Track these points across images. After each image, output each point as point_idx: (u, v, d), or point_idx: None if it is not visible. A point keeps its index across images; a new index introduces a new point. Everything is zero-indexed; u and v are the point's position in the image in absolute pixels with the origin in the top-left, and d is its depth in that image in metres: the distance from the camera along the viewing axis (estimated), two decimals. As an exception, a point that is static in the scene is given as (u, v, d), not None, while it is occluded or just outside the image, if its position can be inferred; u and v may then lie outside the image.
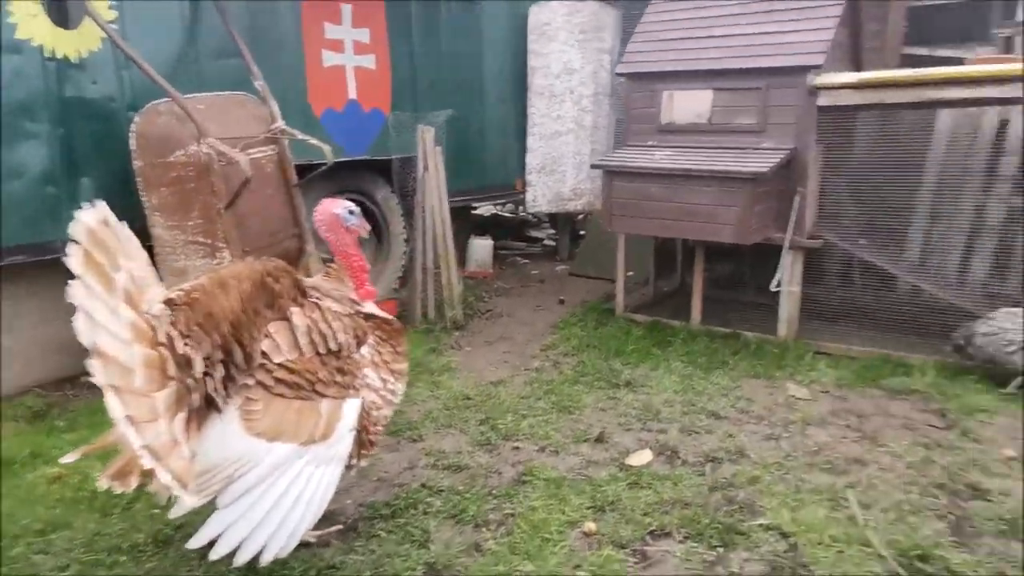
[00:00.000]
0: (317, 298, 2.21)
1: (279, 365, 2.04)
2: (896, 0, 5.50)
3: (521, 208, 8.10)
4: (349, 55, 5.14)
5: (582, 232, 7.68)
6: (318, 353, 2.11)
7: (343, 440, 2.13)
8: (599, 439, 3.28)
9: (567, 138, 6.86)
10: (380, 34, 5.35)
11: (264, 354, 2.04)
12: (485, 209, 9.67)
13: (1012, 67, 3.69)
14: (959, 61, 5.20)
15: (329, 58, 5.01)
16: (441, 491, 2.85)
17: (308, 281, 2.30)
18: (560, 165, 6.82)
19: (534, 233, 8.84)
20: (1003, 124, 4.64)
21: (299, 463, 2.05)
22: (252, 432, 1.99)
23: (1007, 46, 5.62)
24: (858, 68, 4.83)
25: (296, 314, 2.12)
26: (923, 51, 5.73)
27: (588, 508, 2.69)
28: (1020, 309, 3.74)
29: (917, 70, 3.93)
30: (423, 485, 2.91)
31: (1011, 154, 4.60)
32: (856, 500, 2.67)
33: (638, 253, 5.92)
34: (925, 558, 2.32)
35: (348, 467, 2.20)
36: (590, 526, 2.55)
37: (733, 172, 4.09)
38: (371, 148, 5.37)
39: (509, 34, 6.60)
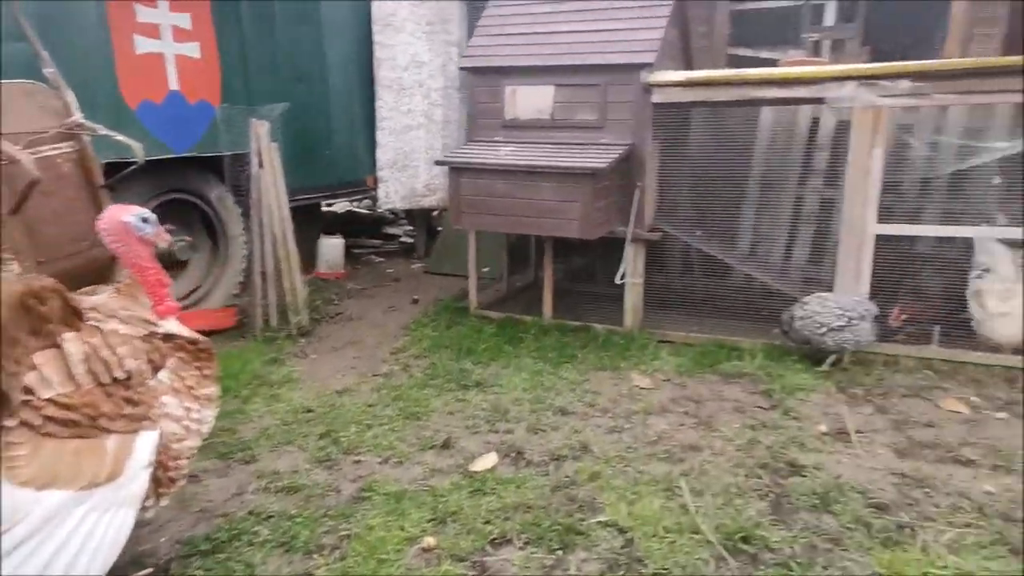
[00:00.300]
0: (98, 320, 1.94)
1: (48, 401, 1.76)
2: (721, 0, 5.83)
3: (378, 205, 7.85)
4: (168, 42, 4.69)
5: (439, 228, 7.57)
6: (100, 383, 1.85)
7: (136, 479, 1.89)
8: (445, 445, 3.18)
9: (418, 133, 6.72)
10: (204, 20, 4.92)
11: (28, 390, 1.75)
12: (340, 206, 9.32)
13: (817, 69, 3.98)
14: (774, 63, 5.57)
15: (143, 44, 4.54)
16: (271, 517, 2.64)
17: (88, 300, 2.02)
18: (412, 160, 6.67)
19: (391, 230, 8.63)
20: (815, 121, 5.04)
21: (80, 510, 1.79)
22: (16, 481, 1.71)
23: (815, 50, 6.12)
24: (689, 67, 5.05)
25: (70, 340, 1.84)
26: (747, 52, 6.12)
27: (429, 521, 2.58)
28: (830, 294, 4.05)
29: (739, 70, 4.14)
30: (251, 512, 2.68)
31: (823, 149, 5.00)
32: (688, 488, 2.76)
33: (493, 248, 5.91)
34: (747, 539, 2.42)
35: (143, 508, 1.95)
36: (429, 541, 2.45)
37: (574, 168, 4.13)
38: (200, 144, 4.95)
39: (354, 23, 6.33)
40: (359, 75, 6.52)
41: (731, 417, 3.48)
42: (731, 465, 2.97)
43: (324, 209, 8.50)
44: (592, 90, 4.46)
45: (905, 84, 3.76)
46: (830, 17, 6.25)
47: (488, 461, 3.00)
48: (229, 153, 5.03)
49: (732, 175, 5.08)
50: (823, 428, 3.31)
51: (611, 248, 4.90)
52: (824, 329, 3.87)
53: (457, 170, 4.45)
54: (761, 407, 3.58)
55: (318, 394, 3.83)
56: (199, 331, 2.29)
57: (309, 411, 3.61)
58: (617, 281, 4.57)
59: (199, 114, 4.92)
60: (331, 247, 6.49)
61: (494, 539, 2.47)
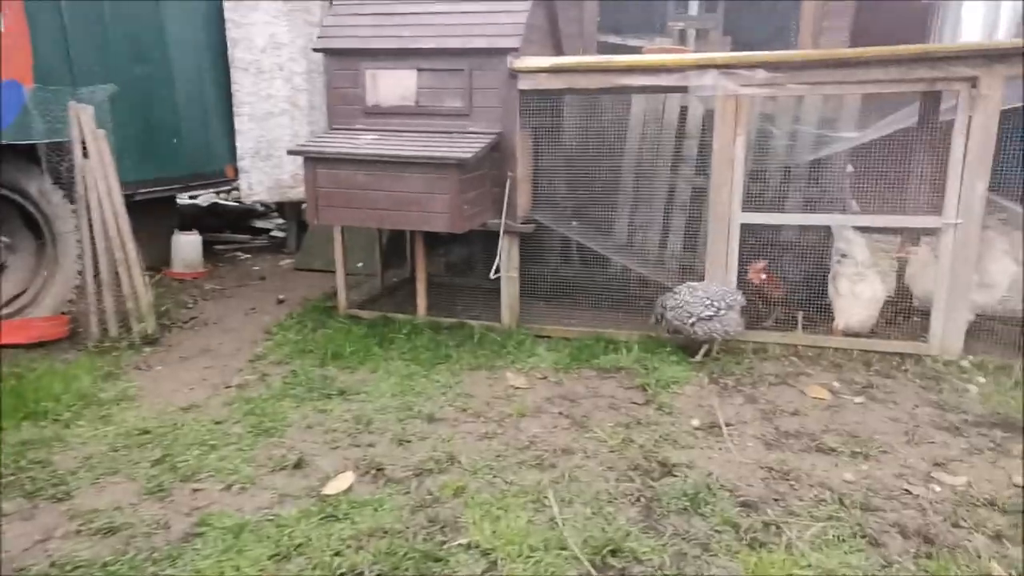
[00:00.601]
0: None
1: None
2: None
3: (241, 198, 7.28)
4: (-37, 10, 4.03)
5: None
6: None
7: None
8: (297, 465, 2.88)
9: (282, 119, 6.25)
10: (11, -12, 4.27)
11: None
12: (205, 199, 8.63)
13: (679, 58, 3.94)
14: (639, 50, 5.57)
15: (-70, 12, 3.87)
16: (78, 568, 2.26)
17: None
18: (276, 149, 6.19)
19: (261, 224, 8.06)
20: (684, 110, 5.05)
21: None
22: None
23: (682, 38, 6.19)
24: (559, 53, 4.92)
25: None
26: (616, 39, 6.10)
27: (270, 558, 2.29)
28: (700, 283, 4.05)
29: (604, 57, 4.04)
30: (54, 564, 2.28)
31: (692, 137, 5.02)
32: (557, 499, 2.61)
33: (367, 242, 5.58)
34: (616, 552, 2.30)
35: None
36: (267, 583, 2.16)
37: (439, 158, 3.89)
38: (10, 130, 4.30)
39: (202, -1, 5.77)
40: (212, 56, 5.97)
41: (605, 415, 3.38)
42: (603, 469, 2.85)
43: (182, 202, 7.83)
44: (457, 75, 4.23)
45: (762, 74, 3.78)
46: (695, 6, 6.34)
47: (344, 481, 2.73)
48: (46, 141, 4.40)
49: (606, 164, 5.02)
50: (696, 422, 3.26)
51: (492, 240, 4.70)
52: (693, 319, 3.85)
53: (313, 160, 4.10)
54: (636, 403, 3.51)
55: (158, 413, 3.40)
56: (20, 343, 1.87)
57: (145, 433, 3.19)
58: (492, 276, 4.38)
59: (7, 96, 4.27)
60: (187, 244, 5.93)
61: (343, 574, 2.21)
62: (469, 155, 3.89)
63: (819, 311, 4.26)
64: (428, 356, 4.07)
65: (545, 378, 3.85)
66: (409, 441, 3.09)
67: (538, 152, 4.77)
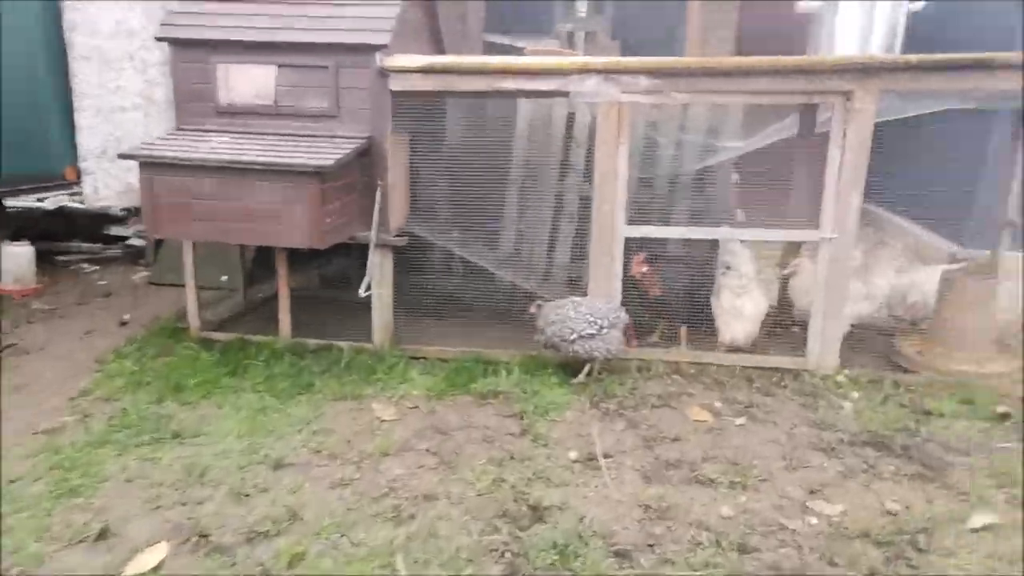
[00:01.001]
0: None
1: None
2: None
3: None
4: None
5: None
6: None
7: None
8: (101, 535, 2.42)
9: (134, 115, 5.59)
10: None
11: None
12: (52, 202, 7.74)
13: (560, 61, 3.72)
14: (520, 51, 5.34)
15: None
16: None
17: None
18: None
19: (118, 231, 7.27)
20: (571, 116, 4.85)
21: None
22: None
23: (570, 40, 6.03)
24: (440, 52, 4.61)
25: None
26: (504, 40, 5.85)
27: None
28: (585, 299, 3.85)
29: (481, 58, 3.76)
30: None
31: (580, 145, 4.83)
32: (409, 562, 2.30)
33: (231, 253, 5.06)
34: (472, 628, 2.01)
35: None
36: None
37: (296, 165, 3.48)
38: None
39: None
40: (46, 41, 5.26)
41: (478, 450, 3.09)
42: (467, 518, 2.56)
43: (13, 207, 6.97)
44: (321, 73, 3.83)
45: (644, 81, 3.61)
46: (583, 6, 6.19)
47: (154, 555, 2.30)
48: None
49: (490, 172, 4.73)
50: (573, 455, 3.04)
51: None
52: (575, 336, 3.64)
53: (150, 166, 3.59)
54: (512, 434, 3.25)
55: (-61, 470, 2.83)
56: None
57: (-85, 499, 2.63)
58: (361, 294, 4.01)
59: None
60: (15, 256, 5.19)
61: None
62: (330, 162, 3.50)
63: (705, 325, 4.15)
64: (287, 386, 3.66)
65: (416, 407, 3.53)
66: (248, 495, 2.69)
67: (416, 158, 4.44)
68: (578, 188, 4.84)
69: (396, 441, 3.15)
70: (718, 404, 3.55)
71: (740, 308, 4.02)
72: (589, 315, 3.69)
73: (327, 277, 5.70)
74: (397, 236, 4.09)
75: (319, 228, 3.56)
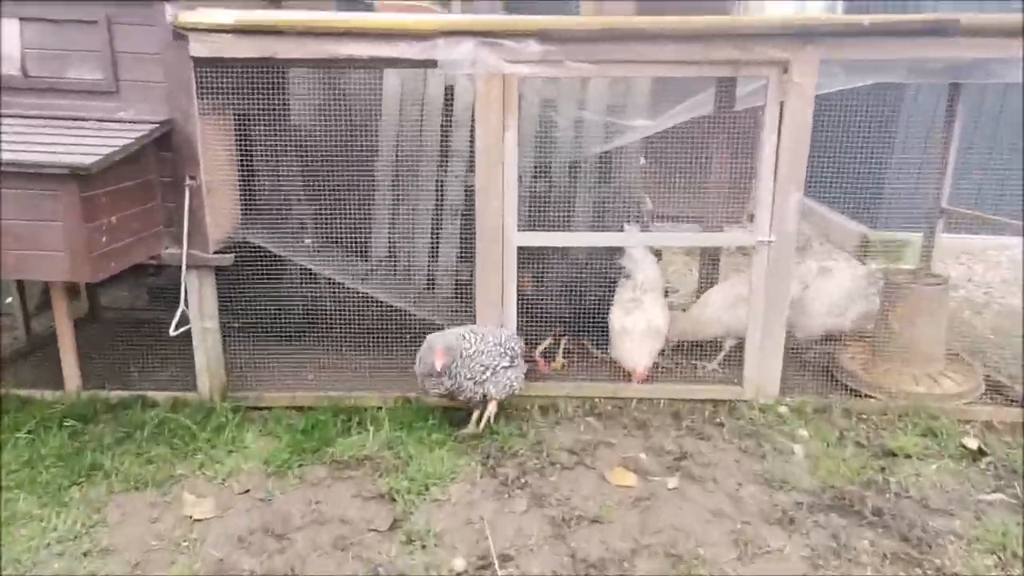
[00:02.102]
0: None
1: None
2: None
3: None
4: None
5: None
6: None
7: None
8: None
9: None
10: None
11: None
12: None
13: (423, 20, 2.80)
14: (370, 7, 4.38)
15: None
16: None
17: None
18: None
19: None
20: (449, 91, 3.95)
21: None
22: None
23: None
24: (276, 6, 3.57)
25: None
26: (365, -2, 4.85)
27: None
28: (483, 327, 3.00)
29: (315, 14, 2.77)
30: None
31: (462, 125, 3.95)
32: None
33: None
34: None
35: None
36: None
37: (45, 165, 2.40)
38: None
39: None
40: None
41: (325, 564, 2.20)
42: None
43: None
44: (89, 31, 2.73)
45: (534, 47, 2.77)
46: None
47: None
48: None
49: (352, 162, 3.77)
50: (459, 564, 2.20)
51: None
52: (487, 373, 2.81)
53: None
54: (377, 530, 2.37)
55: None
56: None
57: None
58: (172, 332, 2.97)
59: None
60: None
61: None
62: (94, 158, 2.44)
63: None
64: (59, 473, 2.61)
65: (247, 492, 2.58)
66: None
67: (247, 148, 3.42)
68: (463, 178, 3.97)
69: (205, 560, 2.20)
70: (643, 456, 2.81)
71: (628, 328, 3.30)
72: (497, 344, 2.88)
73: (156, 290, 4.56)
74: (221, 251, 3.07)
75: (88, 253, 2.50)
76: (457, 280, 4.06)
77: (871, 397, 3.17)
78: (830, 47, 2.83)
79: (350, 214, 3.53)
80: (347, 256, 3.78)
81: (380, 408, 3.12)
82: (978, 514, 2.44)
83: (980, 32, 2.70)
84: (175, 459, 2.74)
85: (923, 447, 2.82)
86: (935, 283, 3.24)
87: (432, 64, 2.81)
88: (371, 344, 3.37)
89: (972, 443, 2.83)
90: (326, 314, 3.61)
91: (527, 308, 3.30)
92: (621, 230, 3.59)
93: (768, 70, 2.92)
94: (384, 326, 3.37)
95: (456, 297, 3.98)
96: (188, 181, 2.91)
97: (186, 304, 3.01)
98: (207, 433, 2.90)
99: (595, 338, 3.56)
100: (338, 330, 3.44)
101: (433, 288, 4.05)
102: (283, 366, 3.39)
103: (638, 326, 3.29)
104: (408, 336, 3.34)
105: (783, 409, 3.10)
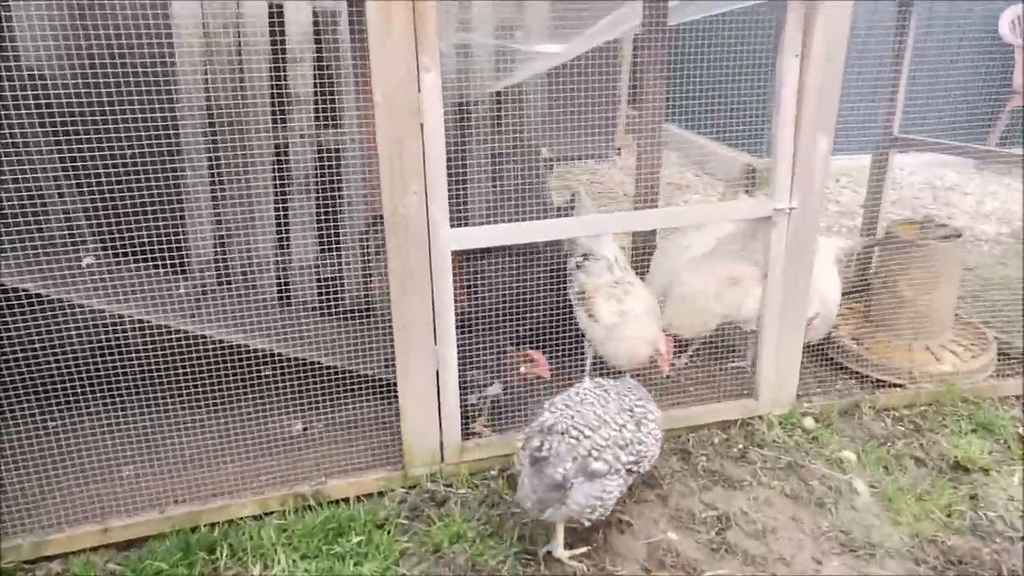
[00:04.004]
0: None
1: None
2: None
3: None
4: None
5: None
6: None
7: None
8: None
9: None
10: None
11: None
12: None
13: None
14: None
15: None
16: None
17: None
18: None
19: None
20: (276, 10, 2.64)
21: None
22: None
23: None
24: None
25: None
26: None
27: None
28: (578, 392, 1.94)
29: None
30: None
31: (300, 61, 2.69)
32: None
33: None
34: None
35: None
36: None
37: None
38: None
39: None
40: None
41: None
42: None
43: None
44: None
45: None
46: None
47: None
48: None
49: (137, 126, 2.38)
50: None
51: None
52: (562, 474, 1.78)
53: None
54: None
55: None
56: None
57: None
58: None
59: None
60: None
61: None
62: None
63: (570, 359, 2.53)
64: None
65: None
66: None
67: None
68: (312, 137, 2.76)
69: None
70: (674, 537, 1.98)
71: (627, 312, 2.45)
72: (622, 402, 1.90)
73: None
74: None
75: None
76: (320, 279, 2.90)
77: (892, 385, 2.59)
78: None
79: (149, 205, 2.22)
80: (150, 278, 2.45)
81: (261, 518, 2.00)
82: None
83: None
84: None
85: (987, 450, 2.27)
86: (950, 236, 2.68)
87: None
88: (225, 405, 2.16)
89: (1028, 433, 2.35)
90: (141, 370, 2.29)
91: (465, 330, 2.26)
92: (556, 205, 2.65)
93: (780, -33, 2.05)
94: (242, 372, 2.17)
95: (322, 305, 2.83)
96: None
97: None
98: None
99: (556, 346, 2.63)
100: (167, 390, 2.17)
101: (287, 297, 2.85)
102: (75, 477, 2.08)
103: (637, 307, 2.42)
104: (290, 382, 2.19)
105: (809, 422, 2.41)
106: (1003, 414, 2.44)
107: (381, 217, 1.92)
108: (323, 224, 2.83)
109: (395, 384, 2.11)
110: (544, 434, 1.79)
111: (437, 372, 2.09)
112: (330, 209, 2.88)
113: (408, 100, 1.82)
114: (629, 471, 1.84)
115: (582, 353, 2.61)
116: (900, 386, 2.56)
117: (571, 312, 2.55)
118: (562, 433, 1.78)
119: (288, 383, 2.27)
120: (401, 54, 1.79)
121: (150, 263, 2.35)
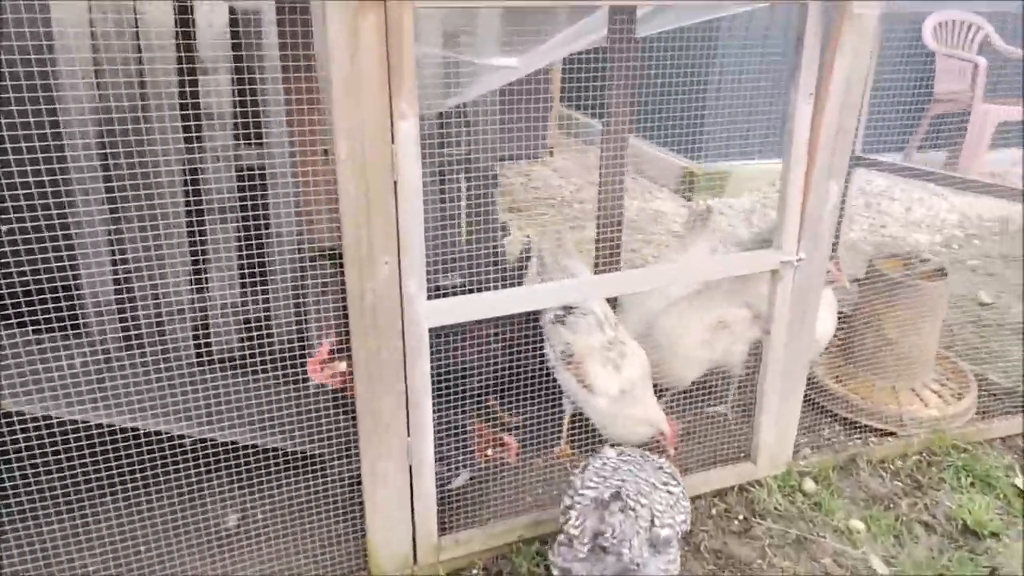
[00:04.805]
0: None
1: None
2: None
3: None
4: None
5: None
6: None
7: None
8: None
9: None
10: None
11: None
12: None
13: None
14: None
15: None
16: None
17: None
18: None
19: None
20: (183, 10, 2.17)
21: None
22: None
23: None
24: None
25: None
26: None
27: None
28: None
29: None
30: None
31: (212, 69, 2.24)
32: None
33: None
34: None
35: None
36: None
37: None
38: None
39: None
40: None
41: None
42: None
43: None
44: None
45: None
46: None
47: None
48: None
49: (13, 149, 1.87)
50: None
51: None
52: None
53: None
54: None
55: None
56: None
57: None
58: None
59: None
60: None
61: None
62: None
63: (544, 427, 2.24)
64: None
65: None
66: None
67: None
68: (231, 157, 2.33)
69: None
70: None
71: (630, 379, 2.18)
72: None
73: None
74: None
75: None
76: (246, 322, 2.47)
77: (881, 432, 2.46)
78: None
79: (33, 243, 1.75)
80: (32, 349, 1.96)
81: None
82: None
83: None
84: None
85: (994, 509, 2.16)
86: (937, 274, 2.56)
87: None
88: (139, 494, 1.73)
89: (1021, 482, 2.27)
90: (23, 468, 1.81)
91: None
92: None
93: (796, -8, 1.81)
94: (159, 455, 1.75)
95: (245, 356, 2.40)
96: None
97: None
98: None
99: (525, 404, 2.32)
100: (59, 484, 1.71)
101: (208, 346, 2.40)
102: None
103: (635, 373, 2.16)
104: (221, 461, 1.78)
105: (809, 484, 2.23)
106: (996, 462, 2.36)
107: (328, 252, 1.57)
108: (246, 258, 2.39)
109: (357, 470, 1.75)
110: (601, 510, 1.51)
111: (411, 467, 1.75)
112: (253, 240, 2.44)
113: (380, 154, 1.45)
114: (682, 536, 1.61)
115: (554, 420, 2.30)
116: (892, 434, 2.44)
117: (546, 375, 2.24)
118: (622, 510, 1.50)
119: (217, 463, 1.87)
120: (372, 99, 1.41)
121: (29, 326, 1.86)
